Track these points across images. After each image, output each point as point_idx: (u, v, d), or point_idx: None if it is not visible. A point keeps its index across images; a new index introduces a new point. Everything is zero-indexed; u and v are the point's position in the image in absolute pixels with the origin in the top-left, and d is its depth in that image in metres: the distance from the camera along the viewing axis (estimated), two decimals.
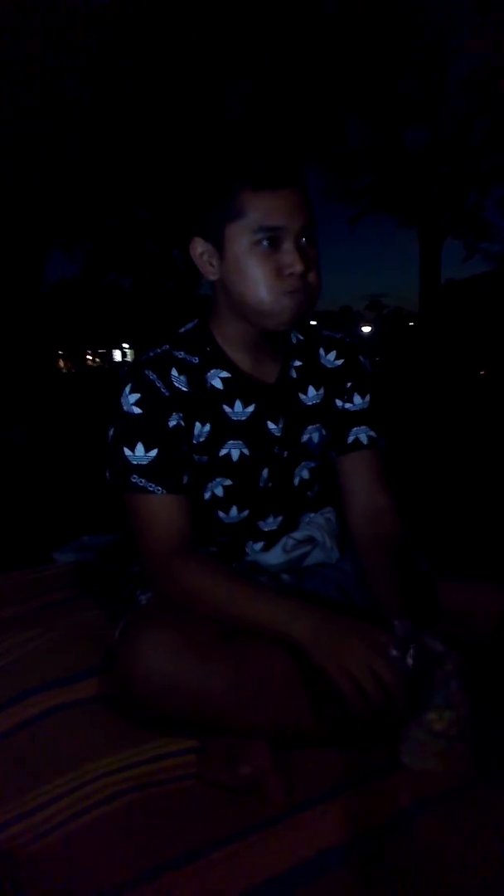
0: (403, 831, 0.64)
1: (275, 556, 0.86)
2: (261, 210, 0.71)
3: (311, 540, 0.87)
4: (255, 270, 0.72)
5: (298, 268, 0.71)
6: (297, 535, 0.87)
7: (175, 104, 7.69)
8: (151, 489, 0.74)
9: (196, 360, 0.79)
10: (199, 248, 0.76)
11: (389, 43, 7.70)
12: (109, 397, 0.79)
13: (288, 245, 0.71)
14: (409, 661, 0.65)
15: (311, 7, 7.14)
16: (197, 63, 7.39)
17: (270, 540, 0.86)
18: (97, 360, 24.25)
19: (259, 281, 0.72)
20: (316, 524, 0.89)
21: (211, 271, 0.76)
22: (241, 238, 0.72)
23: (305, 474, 0.86)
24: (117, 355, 24.04)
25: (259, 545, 0.86)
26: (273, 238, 0.71)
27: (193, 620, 0.71)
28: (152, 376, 0.76)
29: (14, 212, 7.14)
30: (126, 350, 23.46)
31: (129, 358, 23.35)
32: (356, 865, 0.61)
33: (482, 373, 8.08)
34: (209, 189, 0.75)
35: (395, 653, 0.65)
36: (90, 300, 16.74)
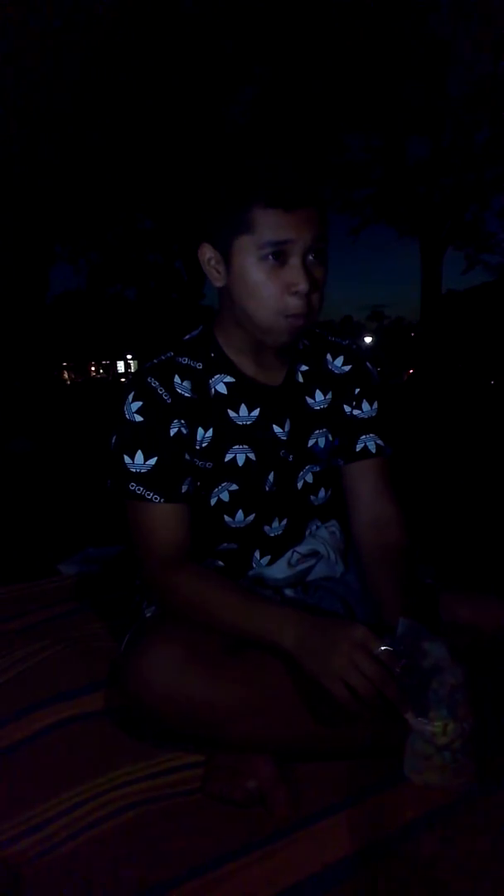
0: (408, 845, 0.64)
1: (280, 571, 0.86)
2: (271, 227, 0.71)
3: (315, 554, 0.87)
4: (259, 286, 0.72)
5: (303, 287, 0.71)
6: (302, 548, 0.87)
7: (178, 114, 7.79)
8: (149, 497, 0.75)
9: (200, 365, 0.80)
10: (208, 253, 0.77)
11: (391, 54, 7.79)
12: (114, 408, 0.80)
13: (295, 260, 0.71)
14: (403, 659, 0.64)
15: (313, 18, 7.24)
16: (201, 73, 7.50)
17: (276, 549, 0.86)
18: (101, 371, 24.36)
19: (262, 297, 0.72)
20: (321, 538, 0.89)
21: (217, 277, 0.77)
22: (248, 251, 0.72)
23: (309, 478, 0.86)
24: (121, 367, 24.16)
25: (265, 559, 0.86)
26: (280, 252, 0.71)
27: (199, 633, 0.71)
28: (154, 384, 0.77)
29: (19, 223, 7.23)
30: (130, 361, 23.57)
31: (132, 369, 23.44)
32: (362, 879, 0.61)
33: (492, 382, 8.06)
34: (222, 200, 0.75)
35: (384, 647, 0.64)
36: (94, 311, 16.87)
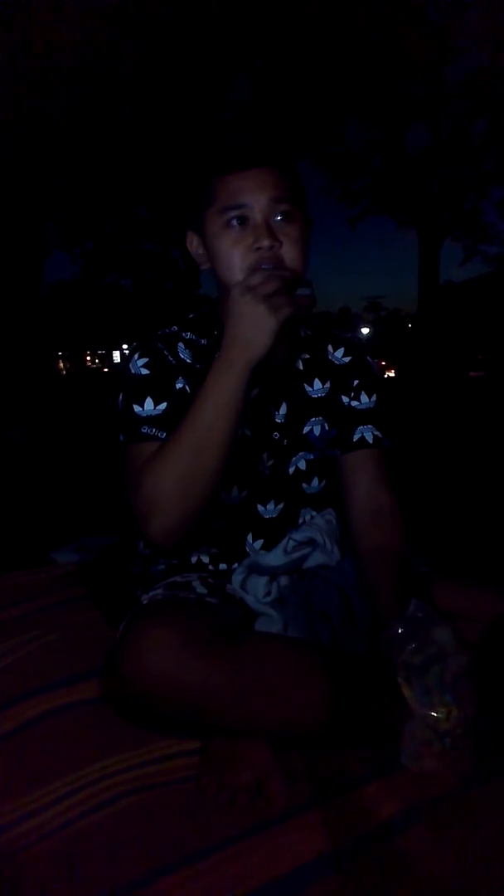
0: (402, 833, 0.64)
1: (275, 558, 0.86)
2: (227, 191, 0.72)
3: (311, 542, 0.87)
4: (225, 251, 0.73)
5: (265, 242, 0.71)
6: (298, 536, 0.87)
7: (174, 104, 7.69)
8: (162, 437, 0.74)
9: (203, 341, 0.81)
10: (193, 240, 0.78)
11: (389, 43, 7.70)
12: (113, 399, 0.80)
13: (255, 222, 0.72)
14: (411, 641, 0.64)
15: (311, 6, 7.14)
16: (197, 62, 7.39)
17: (269, 534, 0.86)
18: (96, 361, 24.21)
19: (228, 260, 0.73)
20: (317, 526, 0.89)
21: (203, 260, 0.78)
22: (213, 222, 0.73)
23: (302, 465, 0.86)
24: (117, 357, 24.02)
25: (259, 543, 0.86)
26: (240, 217, 0.72)
27: (195, 619, 0.71)
28: (160, 346, 0.79)
29: (13, 212, 7.13)
30: (126, 351, 23.41)
31: None
32: (357, 867, 0.61)
33: (483, 374, 8.09)
34: (189, 180, 0.78)
35: (400, 630, 0.65)
36: (90, 301, 16.73)
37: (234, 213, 0.72)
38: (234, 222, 0.72)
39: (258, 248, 0.71)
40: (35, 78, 6.14)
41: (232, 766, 0.70)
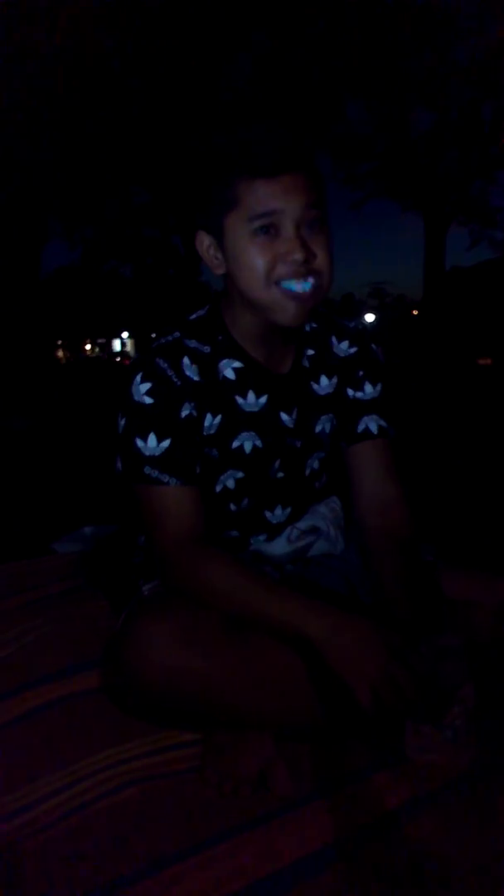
0: (406, 824, 0.64)
1: (279, 547, 0.84)
2: (256, 197, 0.68)
3: (315, 530, 0.86)
4: (252, 261, 0.69)
5: (298, 255, 0.68)
6: (302, 525, 0.86)
7: (174, 84, 7.54)
8: (165, 480, 0.72)
9: (208, 349, 0.77)
10: (205, 241, 0.74)
11: (395, 24, 7.52)
12: (113, 387, 0.77)
13: (287, 232, 0.68)
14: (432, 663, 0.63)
15: None
16: (197, 41, 7.23)
17: (276, 532, 0.85)
18: (96, 349, 24.13)
19: (256, 272, 0.69)
20: (320, 514, 0.87)
21: (217, 265, 0.74)
22: (238, 228, 0.69)
23: (315, 464, 0.85)
24: (117, 345, 23.92)
25: (263, 536, 0.85)
26: (270, 225, 0.68)
27: (197, 610, 0.70)
28: (163, 365, 0.74)
29: (13, 198, 7.05)
30: (126, 339, 23.33)
31: (128, 347, 23.20)
32: (361, 858, 0.60)
33: (490, 362, 8.01)
34: (207, 180, 0.72)
35: (423, 650, 0.64)
36: (90, 288, 16.61)
37: (263, 221, 0.68)
38: (263, 231, 0.68)
39: (290, 261, 0.68)
40: (33, 62, 6.02)
41: (235, 757, 0.69)
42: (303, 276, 0.69)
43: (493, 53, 7.94)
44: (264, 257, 0.69)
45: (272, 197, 0.68)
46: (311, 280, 0.70)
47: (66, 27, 5.97)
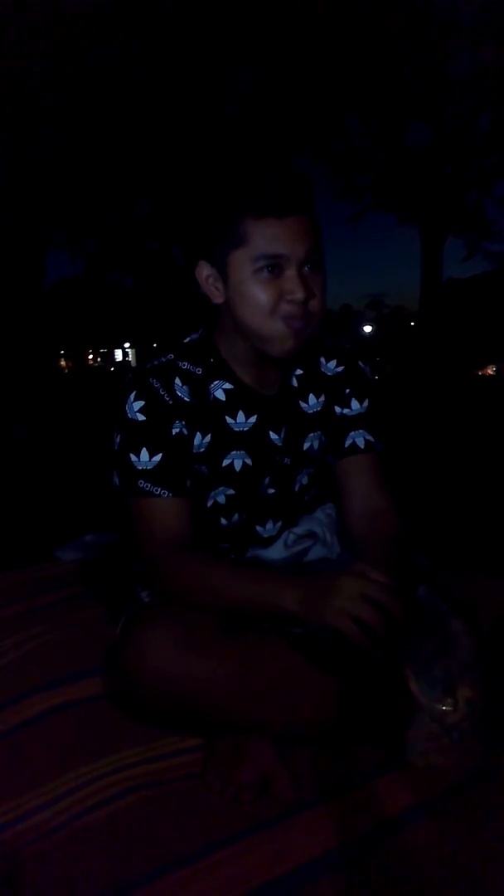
0: (408, 829, 0.64)
1: (276, 552, 0.86)
2: (264, 238, 0.71)
3: (311, 535, 0.88)
4: (256, 297, 0.73)
5: (300, 295, 0.71)
6: (298, 530, 0.87)
7: (176, 97, 7.66)
8: (157, 493, 0.76)
9: (200, 370, 0.80)
10: (206, 271, 0.77)
11: (391, 39, 7.67)
12: (112, 399, 0.80)
13: (290, 272, 0.72)
14: (420, 621, 0.64)
15: (312, 2, 7.11)
16: (199, 54, 7.36)
17: (269, 543, 0.87)
18: (98, 359, 24.23)
19: (259, 308, 0.73)
20: (316, 519, 0.89)
21: (216, 295, 0.77)
22: (243, 265, 0.73)
23: (304, 480, 0.88)
24: (118, 355, 24.02)
25: (257, 548, 0.87)
26: (275, 265, 0.72)
27: (197, 614, 0.71)
28: (156, 384, 0.78)
29: (16, 210, 7.13)
30: (127, 350, 23.44)
31: (129, 357, 23.29)
32: (363, 864, 0.60)
33: (487, 373, 8.03)
34: (213, 216, 0.75)
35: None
36: (92, 299, 16.72)
37: (270, 261, 0.71)
38: (267, 270, 0.72)
39: (291, 300, 0.72)
40: (35, 73, 6.13)
41: (237, 763, 0.69)
42: (301, 316, 0.73)
43: (488, 66, 8.08)
44: (269, 294, 0.72)
45: (279, 240, 0.71)
46: (305, 320, 0.74)
47: (68, 38, 6.08)
